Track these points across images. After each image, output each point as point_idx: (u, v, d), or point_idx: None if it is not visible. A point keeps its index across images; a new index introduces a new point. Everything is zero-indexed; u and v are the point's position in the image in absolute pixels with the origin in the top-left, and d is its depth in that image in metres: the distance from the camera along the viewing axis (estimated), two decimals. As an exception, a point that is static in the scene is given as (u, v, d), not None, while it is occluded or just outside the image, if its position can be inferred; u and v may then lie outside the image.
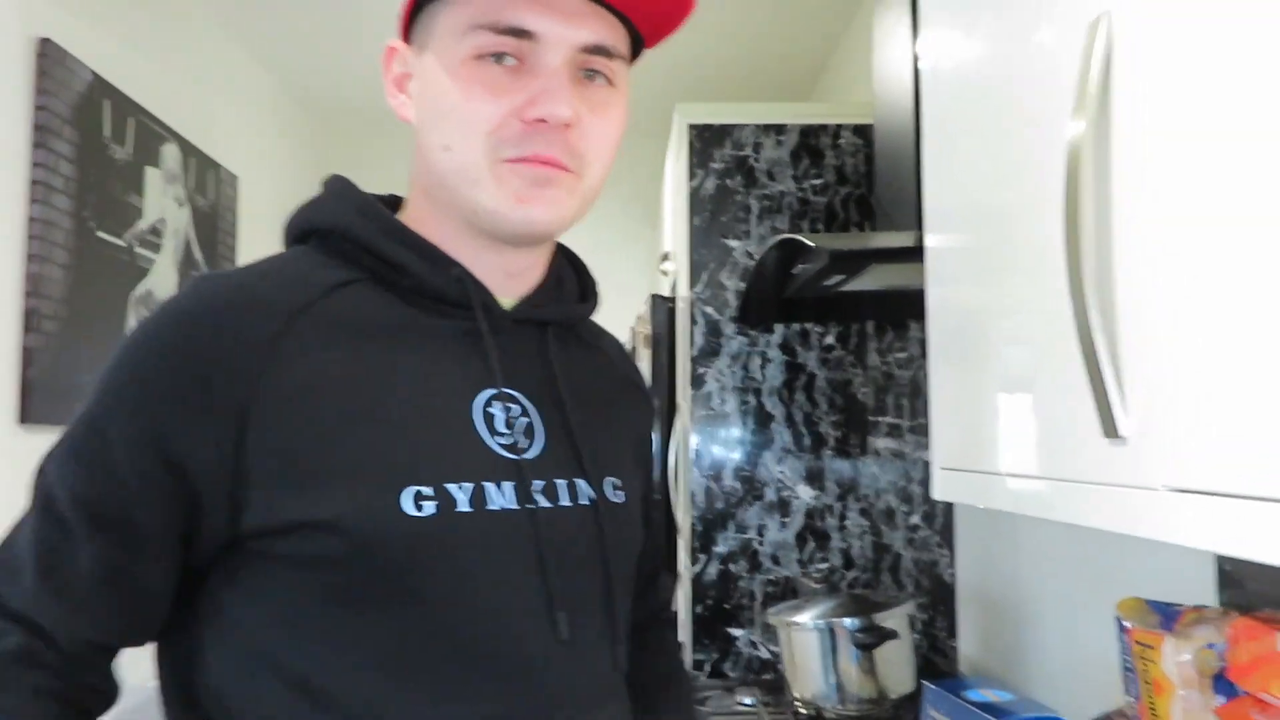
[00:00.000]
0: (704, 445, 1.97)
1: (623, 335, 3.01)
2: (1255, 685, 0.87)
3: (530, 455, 0.74)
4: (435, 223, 0.76)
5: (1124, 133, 0.70)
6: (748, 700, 1.70)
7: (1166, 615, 0.99)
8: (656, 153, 3.31)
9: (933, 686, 1.24)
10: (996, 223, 0.97)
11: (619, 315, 3.20)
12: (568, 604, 0.72)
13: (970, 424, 1.04)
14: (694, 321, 2.00)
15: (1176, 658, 0.94)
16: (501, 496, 0.71)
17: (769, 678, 1.86)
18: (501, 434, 0.73)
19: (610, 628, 0.77)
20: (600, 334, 0.92)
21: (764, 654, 1.89)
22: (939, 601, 1.88)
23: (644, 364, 2.40)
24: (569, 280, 0.86)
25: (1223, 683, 0.91)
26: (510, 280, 0.78)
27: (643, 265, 3.78)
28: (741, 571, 1.92)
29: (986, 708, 1.06)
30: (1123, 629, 1.01)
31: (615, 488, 0.80)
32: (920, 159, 1.18)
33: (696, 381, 1.99)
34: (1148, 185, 0.68)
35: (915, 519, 1.90)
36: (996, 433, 0.97)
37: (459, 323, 0.74)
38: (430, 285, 0.73)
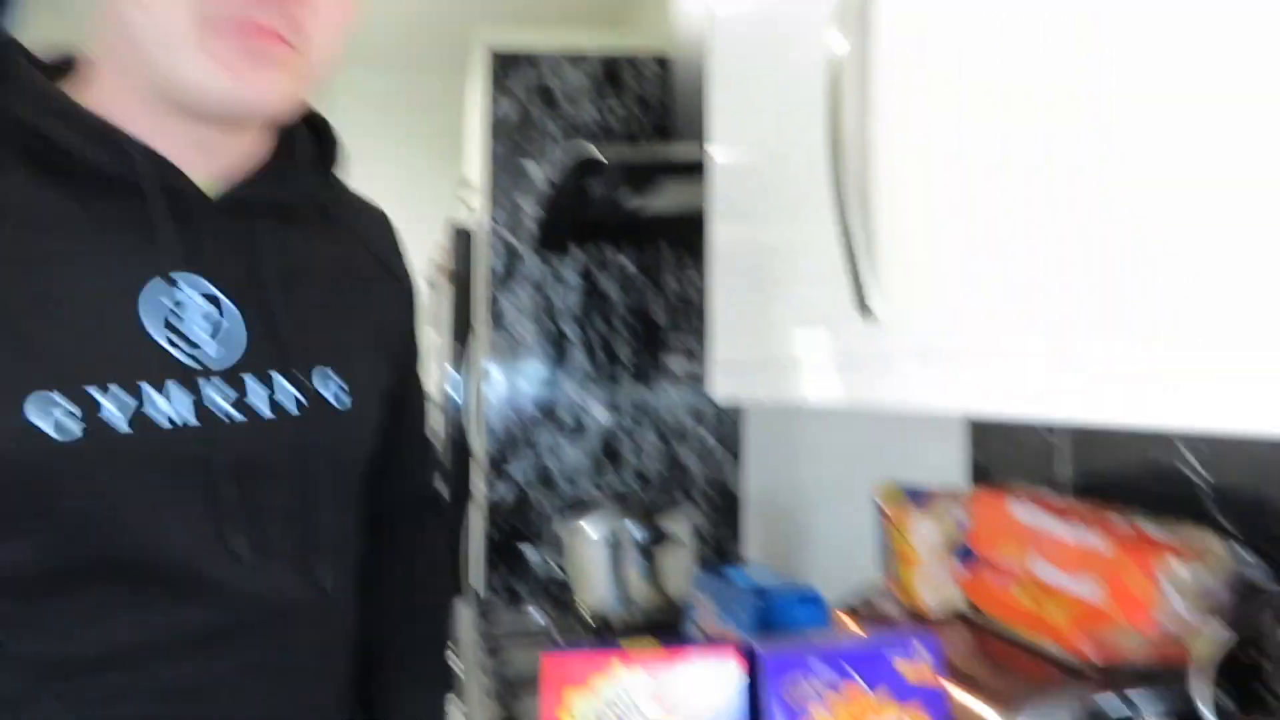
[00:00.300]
0: (501, 372, 1.96)
1: (422, 266, 2.94)
2: (989, 549, 0.95)
3: (219, 356, 0.66)
4: (120, 90, 0.66)
5: (882, 47, 0.76)
6: (538, 616, 1.72)
7: (918, 497, 1.07)
8: (457, 81, 3.23)
9: (699, 573, 1.29)
10: (771, 131, 1.01)
11: (419, 247, 3.12)
12: (250, 521, 0.66)
13: (743, 320, 1.08)
14: (493, 249, 1.98)
15: (923, 532, 1.02)
16: (170, 404, 0.63)
17: (559, 594, 1.89)
18: (181, 332, 0.65)
19: (309, 544, 0.71)
20: (353, 209, 0.83)
21: (556, 572, 1.92)
22: (727, 512, 1.96)
23: (443, 295, 2.36)
24: (304, 150, 0.75)
25: (963, 551, 1.00)
26: (213, 158, 0.68)
27: (444, 197, 3.70)
28: (536, 494, 1.94)
29: (750, 589, 1.12)
30: (880, 512, 1.09)
31: (340, 390, 0.73)
32: (709, 87, 1.21)
33: (495, 309, 1.97)
34: (902, 92, 0.73)
35: (707, 437, 1.97)
36: (767, 326, 1.01)
37: (134, 209, 0.65)
38: (97, 167, 0.64)
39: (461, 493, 2.05)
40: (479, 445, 1.98)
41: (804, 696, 0.74)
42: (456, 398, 2.17)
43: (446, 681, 0.82)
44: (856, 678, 0.75)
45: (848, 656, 0.75)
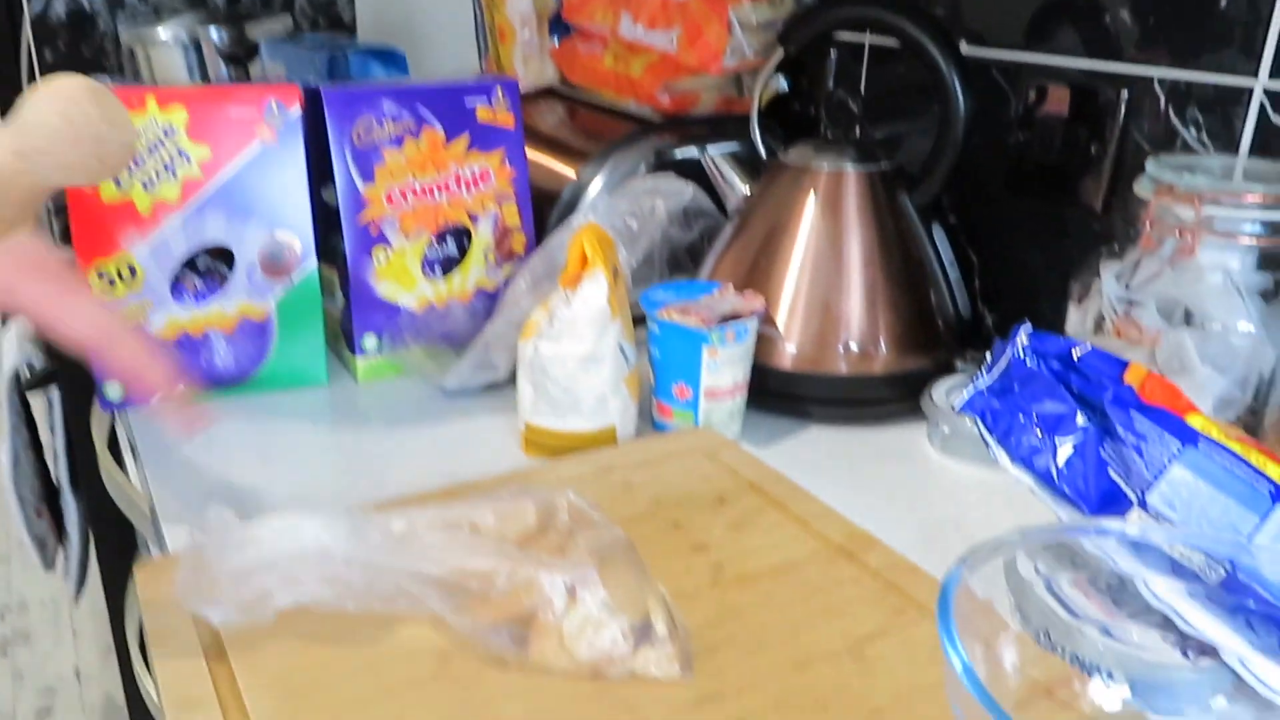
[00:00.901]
0: None
1: None
2: (582, 17, 0.93)
3: None
4: None
5: None
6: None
7: (515, -32, 1.01)
8: None
9: (267, 44, 1.15)
10: None
11: None
12: None
13: None
14: None
15: (518, 5, 0.97)
16: None
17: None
18: None
19: None
20: None
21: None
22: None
23: None
24: None
25: (557, 24, 0.97)
26: None
27: None
28: (100, 9, 1.64)
29: (321, 44, 1.04)
30: (475, -14, 1.02)
31: None
32: None
33: None
34: None
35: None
36: None
37: None
38: None
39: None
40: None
41: (377, 141, 0.70)
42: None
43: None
44: (435, 124, 0.72)
45: (424, 97, 0.71)
